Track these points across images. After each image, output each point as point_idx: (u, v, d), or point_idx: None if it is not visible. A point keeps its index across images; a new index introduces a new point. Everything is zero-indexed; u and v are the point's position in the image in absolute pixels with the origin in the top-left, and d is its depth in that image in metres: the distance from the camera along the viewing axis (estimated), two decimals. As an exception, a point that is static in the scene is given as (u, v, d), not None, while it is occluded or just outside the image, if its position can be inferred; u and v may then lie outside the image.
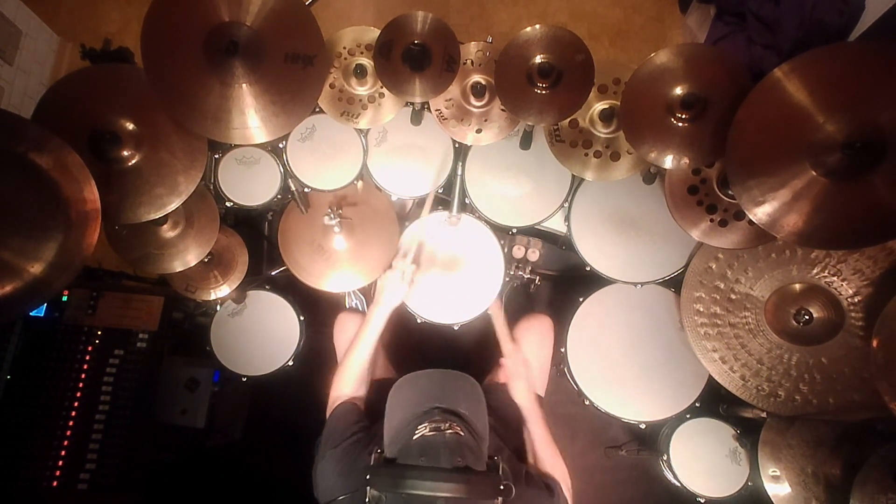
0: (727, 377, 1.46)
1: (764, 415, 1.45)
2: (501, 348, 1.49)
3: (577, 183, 1.59)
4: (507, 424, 1.41)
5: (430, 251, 1.64)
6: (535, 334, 1.59)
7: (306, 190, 1.59)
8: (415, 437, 1.02)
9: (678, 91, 1.20)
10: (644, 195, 1.55)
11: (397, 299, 1.47)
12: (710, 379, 1.50)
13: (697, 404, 1.57)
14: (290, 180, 1.56)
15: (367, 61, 1.43)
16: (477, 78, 1.41)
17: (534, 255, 1.71)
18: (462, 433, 1.03)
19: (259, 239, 1.91)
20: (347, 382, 1.36)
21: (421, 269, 1.57)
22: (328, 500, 1.15)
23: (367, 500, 1.00)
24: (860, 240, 1.12)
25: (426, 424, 1.03)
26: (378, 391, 1.42)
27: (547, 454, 1.33)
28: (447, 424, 1.03)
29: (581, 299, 1.66)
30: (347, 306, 1.87)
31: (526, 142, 1.49)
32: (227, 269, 1.64)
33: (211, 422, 1.72)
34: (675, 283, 1.58)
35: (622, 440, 1.98)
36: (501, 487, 1.00)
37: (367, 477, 1.01)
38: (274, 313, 1.72)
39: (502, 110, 1.43)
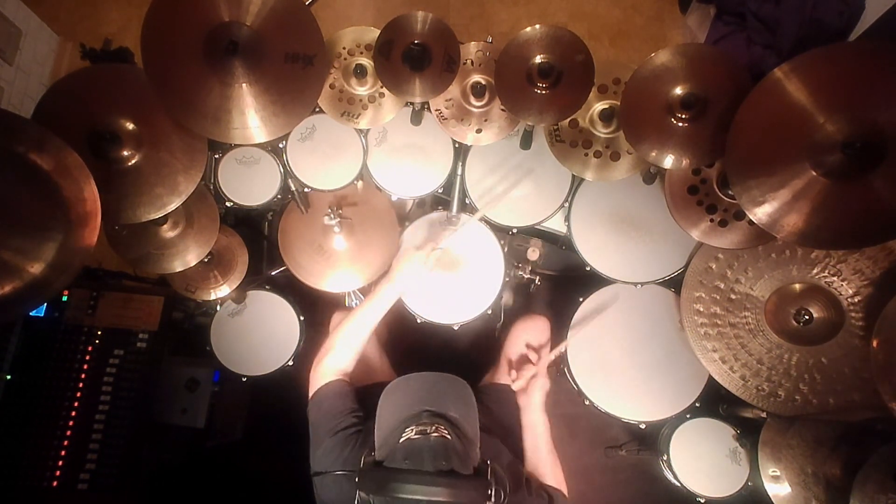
0: (727, 377, 1.46)
1: (764, 415, 1.45)
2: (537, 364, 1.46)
3: (577, 183, 1.59)
4: (507, 427, 1.40)
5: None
6: (530, 335, 1.58)
7: (306, 190, 1.59)
8: (401, 441, 1.01)
9: (678, 91, 1.20)
10: (644, 195, 1.54)
11: (412, 282, 1.41)
12: (710, 379, 1.49)
13: (697, 404, 1.57)
14: (290, 180, 1.56)
15: (367, 61, 1.43)
16: (477, 78, 1.41)
17: (534, 255, 1.71)
18: (449, 437, 1.02)
19: (259, 239, 1.91)
20: (340, 355, 1.30)
21: (439, 263, 1.51)
22: (322, 470, 1.15)
23: (356, 501, 1.01)
24: (860, 240, 1.12)
25: (412, 428, 1.02)
26: (378, 393, 1.41)
27: (548, 463, 1.33)
28: (433, 428, 1.02)
29: (581, 299, 1.66)
30: (347, 306, 1.87)
31: (526, 142, 1.49)
32: (227, 269, 1.64)
33: (211, 422, 1.72)
34: (675, 283, 1.58)
35: (622, 440, 1.98)
36: (490, 492, 0.99)
37: (357, 480, 1.01)
38: (274, 313, 1.72)
39: (502, 110, 1.43)
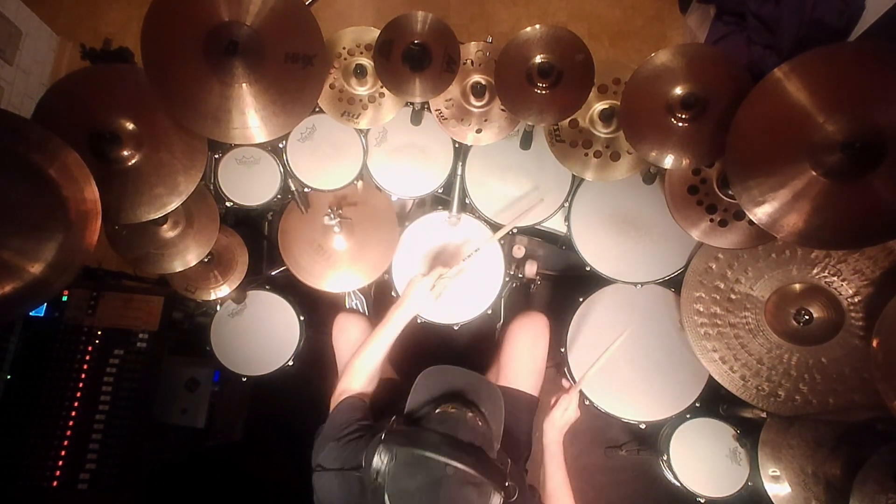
0: (727, 377, 1.46)
1: (764, 415, 1.45)
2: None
3: (577, 183, 1.59)
4: (507, 432, 1.40)
5: (435, 254, 1.64)
6: (528, 332, 1.57)
7: (306, 190, 1.59)
8: (437, 411, 1.06)
9: (678, 91, 1.20)
10: (644, 195, 1.54)
11: (422, 309, 1.44)
12: (710, 379, 1.49)
13: (697, 404, 1.57)
14: (290, 180, 1.56)
15: (367, 61, 1.43)
16: (477, 78, 1.41)
17: (532, 269, 1.69)
18: (480, 423, 1.06)
19: (259, 239, 1.91)
20: (358, 378, 1.34)
21: (450, 288, 1.51)
22: (323, 466, 1.17)
23: (363, 466, 1.04)
24: (860, 240, 1.12)
25: (450, 404, 1.07)
26: (377, 390, 1.41)
27: (562, 496, 1.33)
28: (470, 411, 1.06)
29: (581, 299, 1.66)
30: (347, 306, 1.87)
31: (526, 142, 1.49)
32: (227, 269, 1.64)
33: (211, 422, 1.72)
34: (675, 283, 1.57)
35: (622, 440, 1.98)
36: (507, 484, 1.02)
37: (383, 435, 1.02)
38: (274, 313, 1.72)
39: (502, 110, 1.43)
